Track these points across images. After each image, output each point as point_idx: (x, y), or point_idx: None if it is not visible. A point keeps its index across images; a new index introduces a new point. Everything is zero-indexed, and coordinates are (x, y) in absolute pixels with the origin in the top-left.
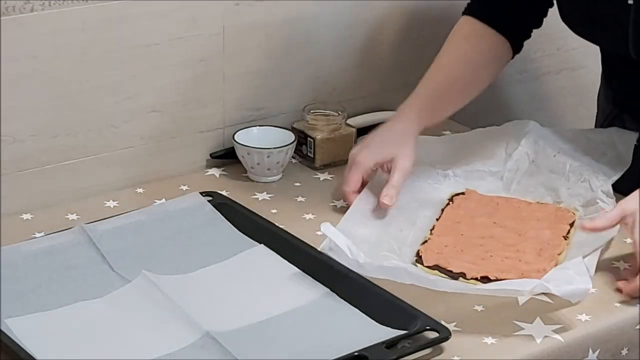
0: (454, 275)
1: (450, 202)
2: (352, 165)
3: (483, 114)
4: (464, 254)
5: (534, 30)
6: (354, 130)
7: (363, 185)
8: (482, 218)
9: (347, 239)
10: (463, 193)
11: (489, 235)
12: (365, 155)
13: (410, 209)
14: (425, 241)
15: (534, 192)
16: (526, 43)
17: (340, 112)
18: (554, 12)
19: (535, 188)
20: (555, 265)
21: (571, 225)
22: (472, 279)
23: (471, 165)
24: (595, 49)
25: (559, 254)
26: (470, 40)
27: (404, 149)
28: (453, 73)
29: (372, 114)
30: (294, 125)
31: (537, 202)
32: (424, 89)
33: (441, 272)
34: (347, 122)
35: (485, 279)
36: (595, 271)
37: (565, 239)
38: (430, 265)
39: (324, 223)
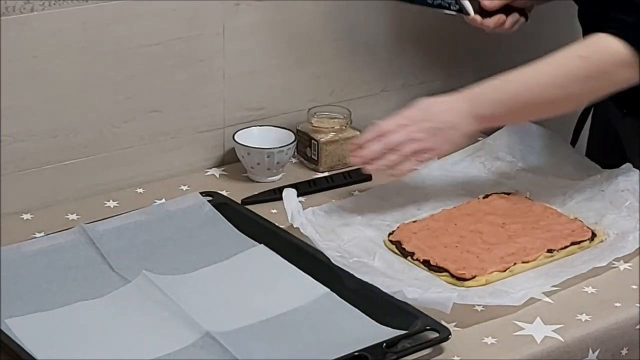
0: (405, 253)
1: (482, 198)
2: None
3: None
4: (436, 240)
5: (533, 31)
6: (359, 133)
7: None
8: (494, 216)
9: (298, 204)
10: (508, 193)
11: (479, 230)
12: None
13: (447, 192)
14: (415, 221)
15: (582, 213)
16: (525, 43)
17: (345, 115)
18: (553, 14)
19: (587, 211)
20: (504, 271)
21: (577, 243)
22: (416, 260)
23: (556, 177)
24: None
25: (515, 264)
26: None
27: None
28: None
29: None
30: (299, 128)
31: (567, 217)
32: None
33: (397, 248)
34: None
35: (426, 263)
36: (595, 271)
37: (550, 252)
38: (393, 240)
39: (287, 189)
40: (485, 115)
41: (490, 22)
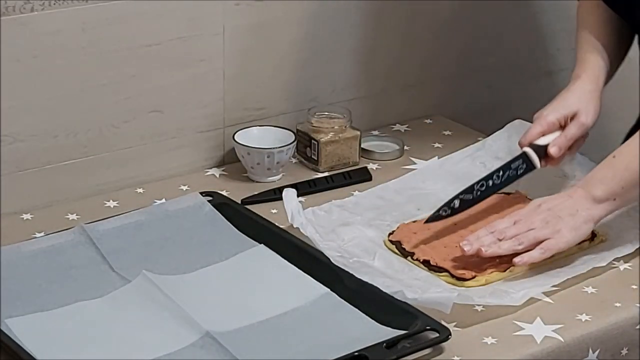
0: (405, 253)
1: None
2: (535, 120)
3: (483, 114)
4: (436, 240)
5: (532, 29)
6: (359, 133)
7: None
8: (494, 216)
9: (298, 204)
10: (508, 194)
11: (477, 229)
12: (549, 110)
13: (447, 192)
14: (415, 221)
15: None
16: (526, 44)
17: (345, 115)
18: (552, 14)
19: None
20: (504, 271)
21: (577, 243)
22: (416, 260)
23: (556, 177)
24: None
25: (514, 265)
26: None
27: (588, 105)
28: (604, 39)
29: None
30: (298, 127)
31: None
32: (590, 55)
33: (397, 248)
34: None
35: (426, 263)
36: (595, 271)
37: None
38: (393, 240)
39: (287, 189)
40: (600, 195)
41: (556, 162)
